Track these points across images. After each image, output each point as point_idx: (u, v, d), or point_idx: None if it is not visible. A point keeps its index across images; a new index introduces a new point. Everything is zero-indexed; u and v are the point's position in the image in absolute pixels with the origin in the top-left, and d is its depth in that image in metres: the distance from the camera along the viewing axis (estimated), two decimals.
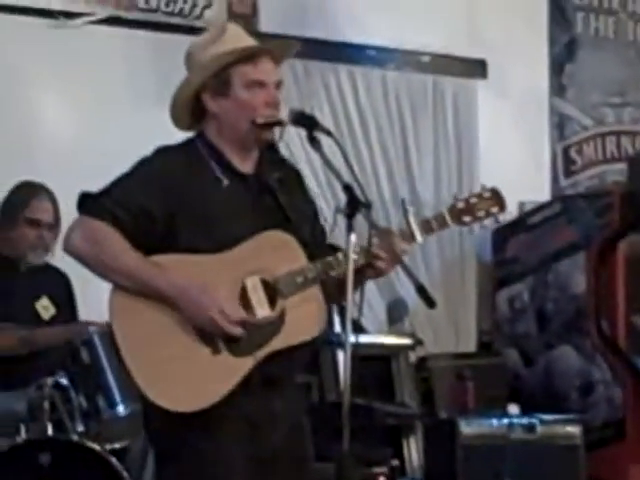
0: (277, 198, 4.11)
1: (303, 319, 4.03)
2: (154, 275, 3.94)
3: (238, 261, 3.99)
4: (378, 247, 4.04)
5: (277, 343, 3.98)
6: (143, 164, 4.08)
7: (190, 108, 4.15)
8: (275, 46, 4.33)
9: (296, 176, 4.29)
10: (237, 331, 3.90)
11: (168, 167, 4.06)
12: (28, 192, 5.70)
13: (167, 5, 6.14)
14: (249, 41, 4.22)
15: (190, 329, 3.94)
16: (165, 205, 3.99)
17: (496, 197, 4.23)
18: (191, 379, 3.93)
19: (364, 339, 5.86)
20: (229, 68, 4.06)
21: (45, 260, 5.72)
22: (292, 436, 4.11)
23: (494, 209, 4.23)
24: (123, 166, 4.08)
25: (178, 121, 4.19)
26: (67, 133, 5.99)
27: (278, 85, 4.13)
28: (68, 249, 4.06)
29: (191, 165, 4.08)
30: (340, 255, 3.95)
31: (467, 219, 4.22)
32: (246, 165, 4.14)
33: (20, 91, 5.99)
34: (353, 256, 3.86)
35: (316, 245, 4.11)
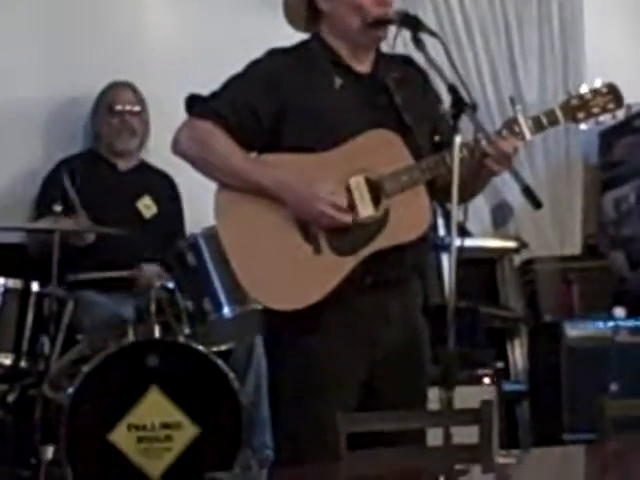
0: (392, 98, 4.07)
1: (407, 219, 4.00)
2: (260, 173, 3.95)
3: (343, 159, 3.97)
4: (487, 145, 4.00)
5: (380, 242, 3.95)
6: (253, 65, 4.07)
7: (304, 8, 4.13)
8: None
9: (421, 77, 4.22)
10: (348, 219, 3.89)
11: (277, 67, 4.05)
12: (109, 86, 5.84)
13: None
14: None
15: (294, 228, 3.94)
16: (272, 104, 3.98)
17: (613, 92, 4.14)
18: (293, 278, 3.94)
19: (468, 242, 5.82)
20: None
21: (141, 155, 5.85)
22: (408, 339, 4.09)
23: (611, 105, 4.15)
24: (228, 71, 4.08)
25: (294, 22, 4.17)
26: (168, 41, 6.03)
27: None
28: (176, 150, 4.10)
29: (302, 65, 4.06)
30: (447, 154, 3.86)
31: (581, 115, 4.14)
32: (362, 65, 4.11)
33: (111, 9, 6.06)
34: (460, 155, 3.83)
35: (435, 146, 4.04)
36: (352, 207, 3.94)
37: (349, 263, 3.94)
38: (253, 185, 3.94)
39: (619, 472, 3.57)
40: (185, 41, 5.91)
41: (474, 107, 3.92)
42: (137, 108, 5.76)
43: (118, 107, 5.75)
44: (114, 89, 5.79)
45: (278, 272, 3.95)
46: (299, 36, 4.17)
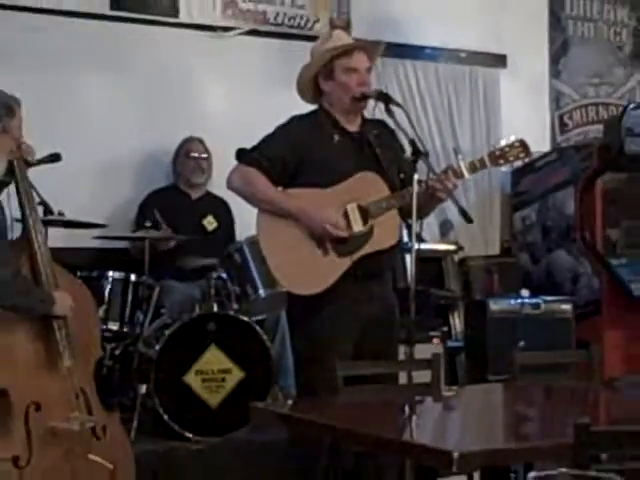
0: (374, 149, 4.09)
1: (385, 232, 4.04)
2: (287, 202, 3.99)
3: (342, 193, 4.00)
4: (436, 181, 4.00)
5: (367, 249, 4.00)
6: (281, 127, 4.11)
7: (312, 89, 4.15)
8: (364, 43, 4.35)
9: (391, 134, 4.22)
10: (343, 234, 3.93)
11: (297, 128, 4.09)
12: (185, 140, 5.78)
13: (289, 20, 6.16)
14: (348, 41, 4.23)
15: (309, 239, 3.97)
16: (294, 154, 4.02)
17: (523, 145, 4.13)
18: (309, 272, 3.97)
19: (423, 246, 5.77)
20: (333, 59, 4.06)
21: (207, 187, 5.77)
22: (384, 312, 4.11)
23: (522, 154, 4.15)
24: (262, 131, 4.12)
25: (303, 96, 4.20)
26: (224, 111, 5.99)
27: (369, 70, 4.13)
28: (230, 187, 4.15)
29: (313, 126, 4.09)
30: (409, 188, 3.88)
31: (501, 161, 4.15)
32: (352, 126, 4.13)
33: (187, 85, 5.97)
34: (419, 189, 3.86)
35: (400, 183, 4.06)
36: (348, 224, 3.99)
37: (347, 262, 3.99)
38: (282, 210, 3.99)
39: (524, 399, 3.63)
40: (235, 111, 5.89)
41: (426, 155, 3.99)
42: (205, 155, 5.73)
43: (193, 154, 5.72)
44: (189, 142, 5.76)
45: (299, 268, 3.99)
46: (307, 107, 4.22)
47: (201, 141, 5.76)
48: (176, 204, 5.65)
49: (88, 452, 3.69)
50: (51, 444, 3.67)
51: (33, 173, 4.14)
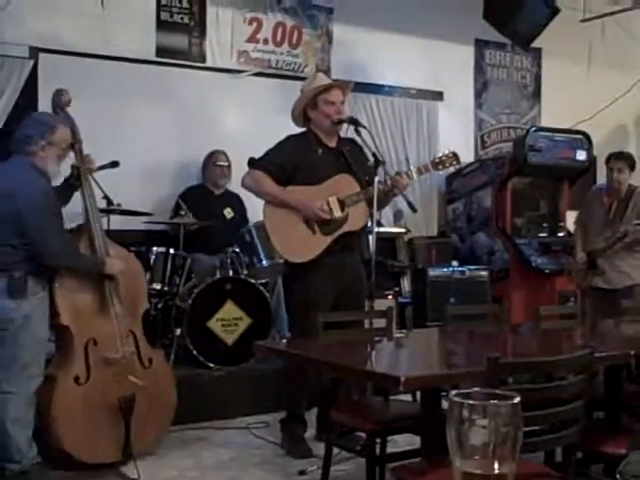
0: (347, 159, 4.11)
1: (357, 217, 4.07)
2: (286, 196, 4.01)
3: (325, 189, 4.03)
4: (393, 181, 4.05)
5: (344, 229, 4.03)
6: (280, 143, 4.13)
7: (302, 116, 4.17)
8: (339, 83, 4.35)
9: (359, 148, 4.23)
10: (328, 217, 3.96)
11: (293, 143, 4.10)
12: (212, 152, 5.69)
13: (287, 65, 6.15)
14: (327, 81, 4.24)
15: (301, 222, 4.00)
16: (290, 162, 4.04)
17: (455, 156, 4.18)
18: (301, 246, 3.99)
19: (382, 229, 5.82)
20: (317, 95, 4.09)
21: (227, 186, 5.69)
22: (355, 277, 4.13)
23: (455, 162, 4.19)
24: (266, 146, 4.15)
25: (297, 122, 4.21)
26: (238, 130, 5.94)
27: (343, 102, 4.14)
28: (243, 185, 4.17)
29: (303, 143, 4.11)
30: (371, 187, 3.93)
31: (440, 167, 4.18)
32: (331, 142, 4.16)
33: (212, 112, 5.91)
34: (379, 187, 3.91)
35: (366, 182, 4.06)
36: (331, 211, 4.01)
37: (328, 239, 4.02)
38: (283, 202, 4.01)
39: (453, 340, 3.66)
40: (246, 131, 5.84)
41: (384, 163, 4.04)
42: (226, 163, 5.66)
43: (219, 163, 5.65)
44: (216, 153, 5.68)
45: (294, 243, 4.01)
46: (298, 129, 4.23)
47: (224, 153, 5.70)
48: (204, 199, 5.60)
49: (129, 375, 3.76)
50: (103, 368, 3.75)
51: (99, 175, 4.17)
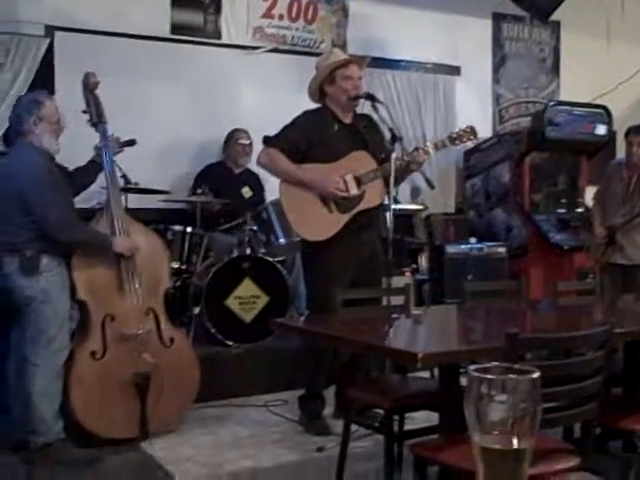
0: (363, 135, 4.08)
1: (374, 194, 4.04)
2: (301, 174, 3.98)
3: (341, 166, 4.00)
4: (410, 157, 4.03)
5: (361, 206, 4.01)
6: (295, 119, 4.09)
7: (318, 91, 4.14)
8: (356, 58, 4.33)
9: (375, 124, 4.21)
10: (345, 194, 3.94)
11: (308, 120, 4.07)
12: (234, 130, 5.69)
13: (302, 42, 6.12)
14: (344, 57, 4.21)
15: (318, 200, 3.98)
16: (305, 138, 4.00)
17: (472, 131, 4.16)
18: (318, 224, 3.97)
19: (399, 206, 5.78)
20: (334, 70, 4.06)
21: (247, 165, 5.67)
22: (372, 253, 4.12)
23: (472, 137, 4.18)
24: (283, 122, 4.11)
25: (313, 98, 4.18)
26: (254, 107, 5.92)
27: (360, 77, 4.12)
28: (258, 163, 4.14)
29: (319, 119, 4.08)
30: (389, 163, 3.90)
31: (457, 142, 4.17)
32: (347, 118, 4.13)
33: (228, 89, 5.89)
34: (397, 163, 3.89)
35: (383, 159, 4.05)
36: (347, 189, 4.00)
37: (346, 217, 4.01)
38: (298, 180, 3.98)
39: (471, 316, 3.66)
40: (262, 107, 5.81)
41: (401, 139, 4.01)
42: (248, 142, 5.64)
43: (240, 141, 5.64)
44: (238, 132, 5.67)
45: (311, 221, 3.99)
46: (314, 106, 4.20)
47: (246, 131, 5.67)
48: (223, 177, 5.59)
49: (144, 352, 3.80)
50: (120, 345, 3.80)
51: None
